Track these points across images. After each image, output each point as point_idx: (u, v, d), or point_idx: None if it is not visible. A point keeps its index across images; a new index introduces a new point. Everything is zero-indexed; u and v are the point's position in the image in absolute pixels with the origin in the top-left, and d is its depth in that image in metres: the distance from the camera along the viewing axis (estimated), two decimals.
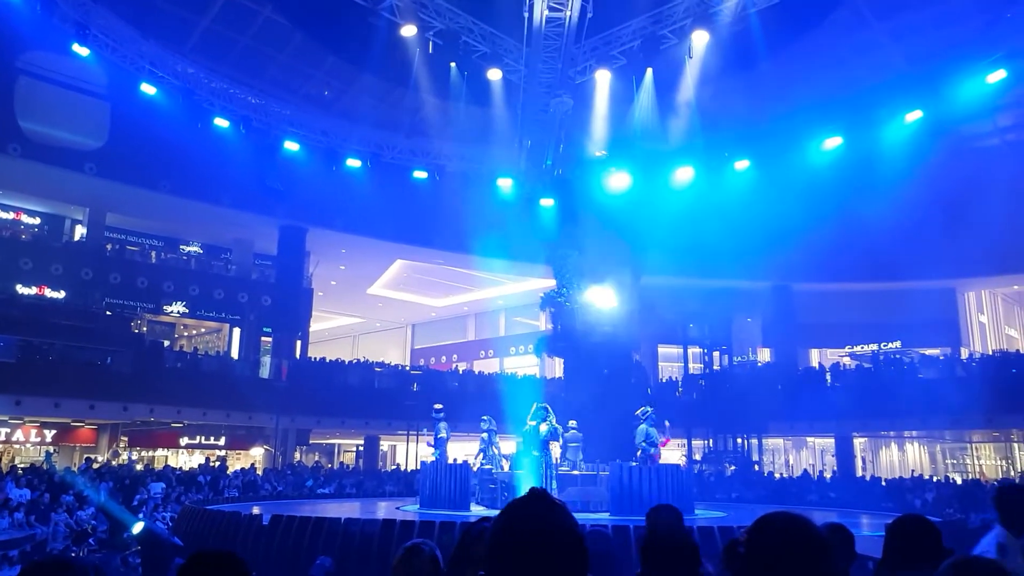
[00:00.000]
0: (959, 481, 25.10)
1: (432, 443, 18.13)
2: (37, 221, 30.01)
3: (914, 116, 22.66)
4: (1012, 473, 27.04)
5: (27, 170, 25.42)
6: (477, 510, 16.26)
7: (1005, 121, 26.62)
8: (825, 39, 24.38)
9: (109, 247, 30.21)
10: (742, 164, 26.04)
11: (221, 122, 24.94)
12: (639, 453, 16.37)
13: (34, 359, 23.58)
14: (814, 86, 24.41)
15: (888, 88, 23.29)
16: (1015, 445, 29.59)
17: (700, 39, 21.39)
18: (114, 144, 26.29)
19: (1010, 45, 20.80)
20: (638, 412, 17.08)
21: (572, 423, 18.30)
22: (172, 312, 30.97)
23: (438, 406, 18.34)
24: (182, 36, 25.32)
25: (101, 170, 26.32)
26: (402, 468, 30.34)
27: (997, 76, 21.06)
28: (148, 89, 23.42)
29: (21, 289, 26.62)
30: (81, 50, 21.67)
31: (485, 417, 18.35)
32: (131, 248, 31.52)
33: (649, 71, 23.02)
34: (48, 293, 27.07)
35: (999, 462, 30.79)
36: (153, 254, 32.03)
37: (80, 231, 30.17)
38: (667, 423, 17.30)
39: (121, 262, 29.74)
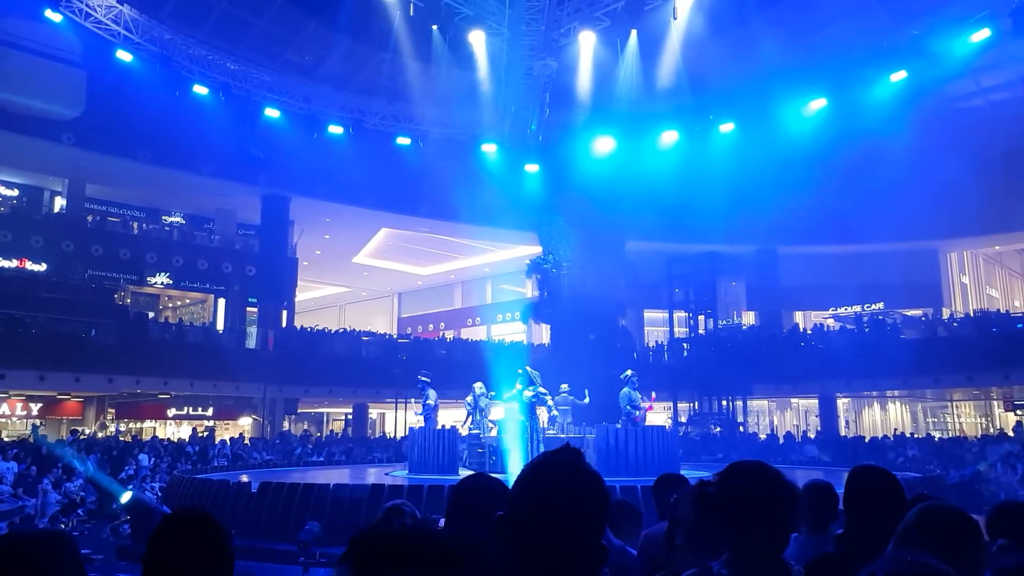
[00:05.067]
0: (939, 438, 25.55)
1: (420, 411, 18.17)
2: (15, 193, 29.57)
3: (899, 77, 22.61)
4: (991, 430, 27.51)
5: (3, 141, 24.93)
6: (465, 474, 16.35)
7: (988, 81, 26.60)
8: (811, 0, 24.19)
9: (90, 218, 29.83)
10: (727, 127, 25.96)
11: (200, 89, 24.55)
12: (624, 416, 16.52)
13: (17, 332, 23.40)
14: (800, 48, 24.27)
15: (873, 49, 23.19)
16: (994, 403, 30.07)
17: (685, 0, 21.19)
18: (91, 113, 25.82)
19: (994, 4, 20.70)
20: (623, 376, 17.20)
21: (564, 387, 18.42)
22: (156, 283, 30.74)
23: (425, 378, 18.31)
24: (158, 1, 24.77)
25: (79, 140, 25.89)
26: (391, 435, 30.51)
27: (981, 35, 21.00)
28: (124, 56, 22.99)
29: (2, 262, 26.30)
30: (54, 16, 21.20)
31: (478, 384, 18.38)
32: (112, 219, 31.12)
33: (634, 33, 22.82)
34: (29, 266, 26.77)
35: (979, 420, 31.33)
36: (135, 225, 31.67)
37: (60, 202, 29.75)
38: (653, 395, 17.37)
39: (103, 233, 29.38)
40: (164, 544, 1.79)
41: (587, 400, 18.30)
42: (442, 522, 2.92)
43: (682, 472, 16.04)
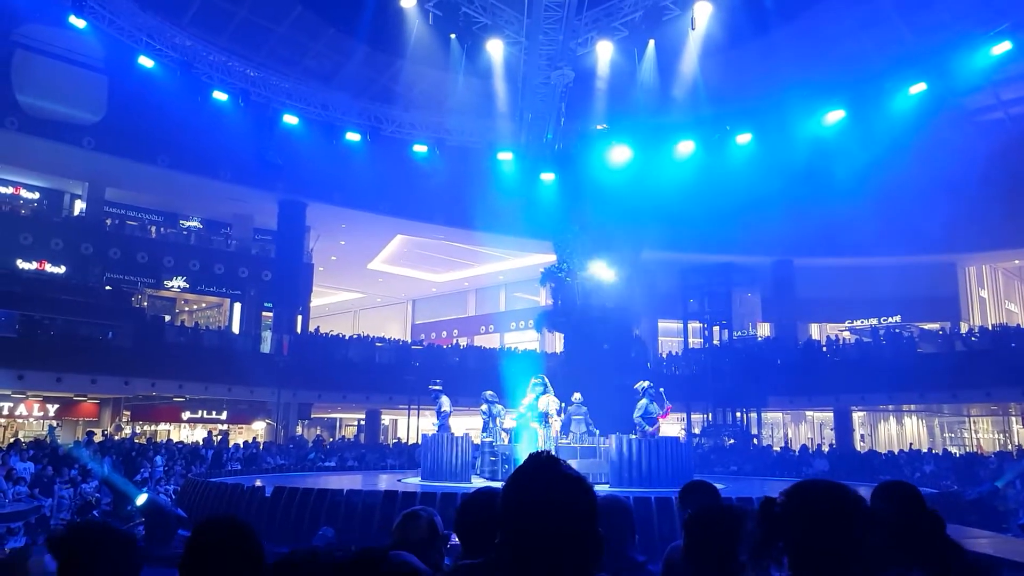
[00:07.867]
0: (957, 454, 25.26)
1: (437, 420, 18.17)
2: (36, 196, 29.93)
3: (918, 89, 22.46)
4: (1009, 446, 27.18)
5: (25, 144, 25.30)
6: (478, 482, 16.37)
7: (1008, 94, 26.43)
8: (829, 11, 24.13)
9: (109, 222, 30.15)
10: (744, 138, 25.85)
11: (220, 95, 24.72)
12: (637, 428, 16.43)
13: (35, 334, 23.63)
14: (818, 59, 24.19)
15: (892, 61, 23.05)
16: (1012, 419, 29.74)
17: (703, 10, 21.17)
18: (112, 118, 26.15)
19: (1016, 16, 20.55)
20: (637, 386, 17.12)
21: (576, 396, 18.35)
22: (173, 287, 30.99)
23: (436, 386, 18.30)
24: (180, 8, 25.03)
25: (99, 144, 26.20)
26: (404, 441, 30.53)
27: (1002, 48, 20.83)
28: (146, 62, 23.20)
29: (22, 264, 26.61)
30: (78, 22, 21.44)
31: (488, 392, 18.38)
32: (131, 223, 31.45)
33: (651, 43, 22.80)
34: (48, 268, 27.06)
35: (996, 436, 30.98)
36: (153, 229, 31.97)
37: (79, 206, 30.09)
38: (668, 406, 17.16)
39: (121, 237, 29.69)
40: (202, 550, 1.82)
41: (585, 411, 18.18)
42: (454, 538, 2.92)
43: None
